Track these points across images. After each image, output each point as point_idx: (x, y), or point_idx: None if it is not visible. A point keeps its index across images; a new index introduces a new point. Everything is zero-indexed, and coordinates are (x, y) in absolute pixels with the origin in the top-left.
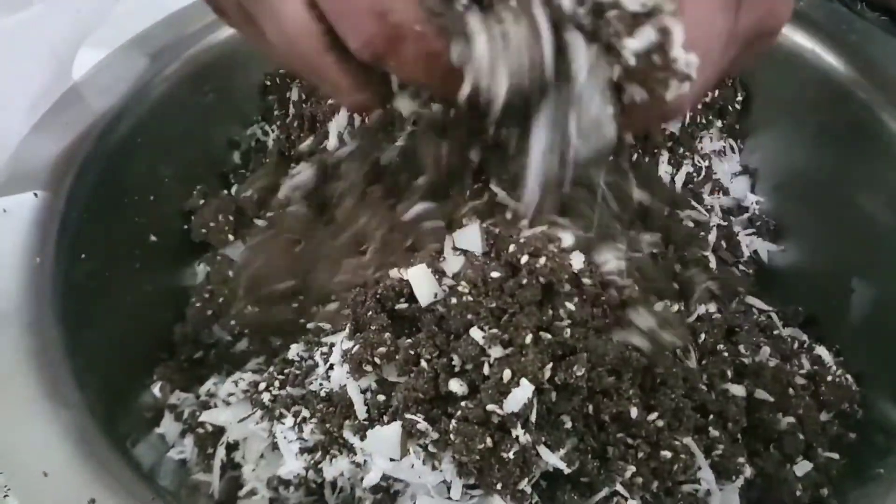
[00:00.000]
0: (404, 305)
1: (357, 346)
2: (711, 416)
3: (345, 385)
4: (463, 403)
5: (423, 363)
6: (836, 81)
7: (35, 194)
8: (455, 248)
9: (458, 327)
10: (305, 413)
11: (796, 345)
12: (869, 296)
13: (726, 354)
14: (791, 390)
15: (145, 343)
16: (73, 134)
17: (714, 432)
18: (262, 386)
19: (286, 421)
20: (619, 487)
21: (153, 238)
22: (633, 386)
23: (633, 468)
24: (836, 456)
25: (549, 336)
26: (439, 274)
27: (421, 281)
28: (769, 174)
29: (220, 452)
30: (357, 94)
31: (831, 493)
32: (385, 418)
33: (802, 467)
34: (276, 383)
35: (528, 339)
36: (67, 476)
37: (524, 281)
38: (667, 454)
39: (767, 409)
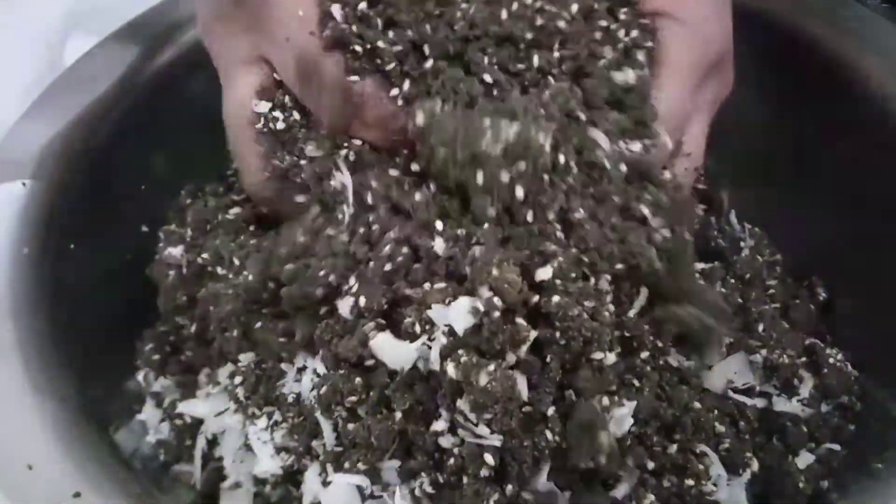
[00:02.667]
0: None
1: (326, 389)
2: (717, 412)
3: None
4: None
5: (398, 414)
6: (837, 70)
7: (23, 183)
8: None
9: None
10: (277, 417)
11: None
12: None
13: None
14: (796, 381)
15: (134, 334)
16: (63, 122)
17: (720, 427)
18: (238, 379)
19: (259, 422)
20: None
21: (144, 229)
22: (659, 433)
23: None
24: (837, 447)
25: (573, 396)
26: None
27: (385, 349)
28: (765, 162)
29: (201, 443)
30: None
31: (832, 486)
32: (354, 456)
33: (804, 459)
34: (253, 378)
35: (551, 410)
36: (53, 469)
37: (559, 340)
38: (690, 482)
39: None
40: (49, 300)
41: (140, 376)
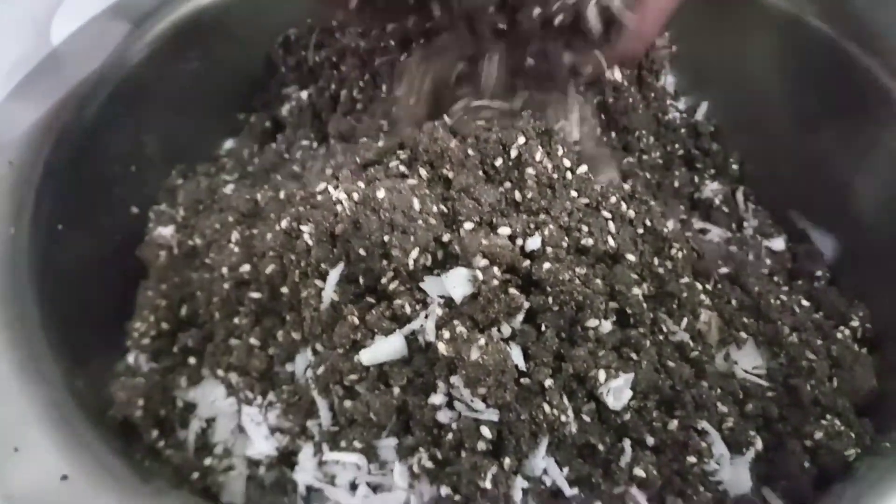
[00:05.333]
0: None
1: (324, 369)
2: (720, 390)
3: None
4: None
5: (396, 389)
6: (838, 49)
7: (10, 163)
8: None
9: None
10: (272, 397)
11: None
12: None
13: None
14: (805, 363)
15: (124, 316)
16: (50, 101)
17: (723, 408)
18: (230, 362)
19: (253, 403)
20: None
21: (135, 210)
22: (659, 408)
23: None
24: (843, 428)
25: (570, 369)
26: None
27: (378, 353)
28: (766, 138)
29: (194, 426)
30: None
31: (837, 466)
32: (351, 434)
33: (809, 439)
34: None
35: (549, 381)
36: (40, 452)
37: (552, 306)
38: (692, 460)
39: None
40: (37, 281)
41: (130, 358)
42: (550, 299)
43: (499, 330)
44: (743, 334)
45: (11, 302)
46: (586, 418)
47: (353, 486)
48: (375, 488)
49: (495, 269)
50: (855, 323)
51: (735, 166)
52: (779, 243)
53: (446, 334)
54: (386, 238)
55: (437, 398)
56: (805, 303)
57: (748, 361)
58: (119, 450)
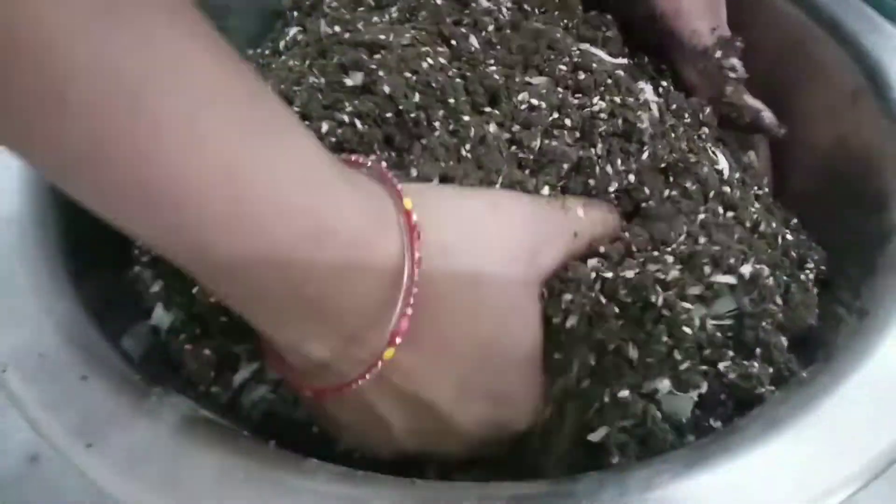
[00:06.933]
0: None
1: None
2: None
3: None
4: None
5: None
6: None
7: None
8: None
9: None
10: None
11: None
12: None
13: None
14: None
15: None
16: None
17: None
18: None
19: None
20: None
21: None
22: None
23: None
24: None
25: None
26: None
27: None
28: None
29: None
30: None
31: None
32: None
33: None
34: None
35: None
36: (61, 357)
37: None
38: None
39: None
40: (59, 210)
41: (136, 270)
42: None
43: None
44: None
45: (36, 232)
46: None
47: None
48: None
49: None
50: (810, 265)
51: None
52: None
53: None
54: None
55: None
56: None
57: None
58: (132, 361)
